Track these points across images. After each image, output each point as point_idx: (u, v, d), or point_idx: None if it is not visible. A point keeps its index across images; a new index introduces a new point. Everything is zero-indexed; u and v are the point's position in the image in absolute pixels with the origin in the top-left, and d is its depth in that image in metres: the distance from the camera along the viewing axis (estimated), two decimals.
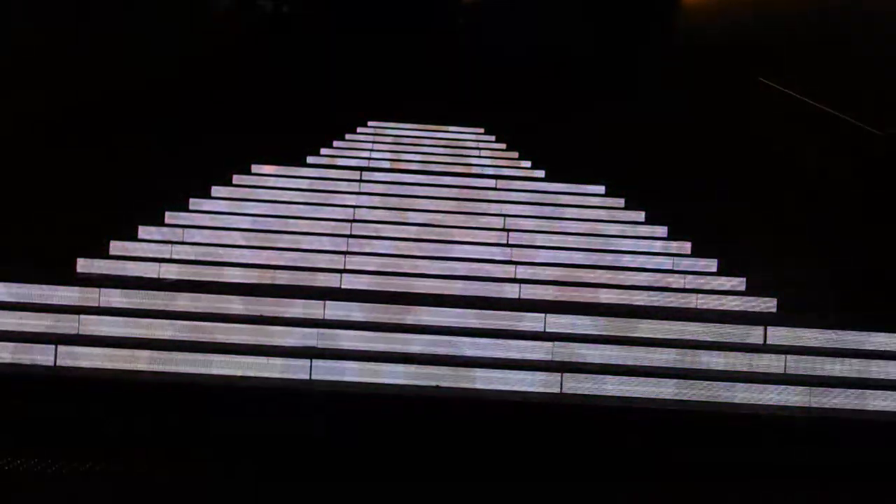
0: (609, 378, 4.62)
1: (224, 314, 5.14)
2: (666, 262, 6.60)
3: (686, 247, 6.88)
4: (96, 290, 5.22)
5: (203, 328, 4.88)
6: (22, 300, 5.14)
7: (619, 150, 9.04)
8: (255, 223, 6.79)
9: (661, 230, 7.20)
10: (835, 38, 8.43)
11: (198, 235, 6.51)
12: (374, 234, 6.74)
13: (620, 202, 7.76)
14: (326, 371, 4.55)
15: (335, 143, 9.23)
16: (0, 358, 4.47)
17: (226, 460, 3.72)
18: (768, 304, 5.94)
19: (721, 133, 9.68)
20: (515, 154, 9.22)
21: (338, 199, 7.37)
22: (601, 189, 8.00)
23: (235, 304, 5.23)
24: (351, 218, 7.04)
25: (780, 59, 9.40)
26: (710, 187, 7.81)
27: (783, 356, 4.96)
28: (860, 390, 4.65)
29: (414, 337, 4.95)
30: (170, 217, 6.75)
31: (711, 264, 6.59)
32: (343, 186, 7.66)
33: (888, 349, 5.26)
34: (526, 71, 12.27)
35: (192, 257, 6.13)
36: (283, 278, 5.88)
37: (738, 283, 6.28)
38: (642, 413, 4.37)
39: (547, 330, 5.25)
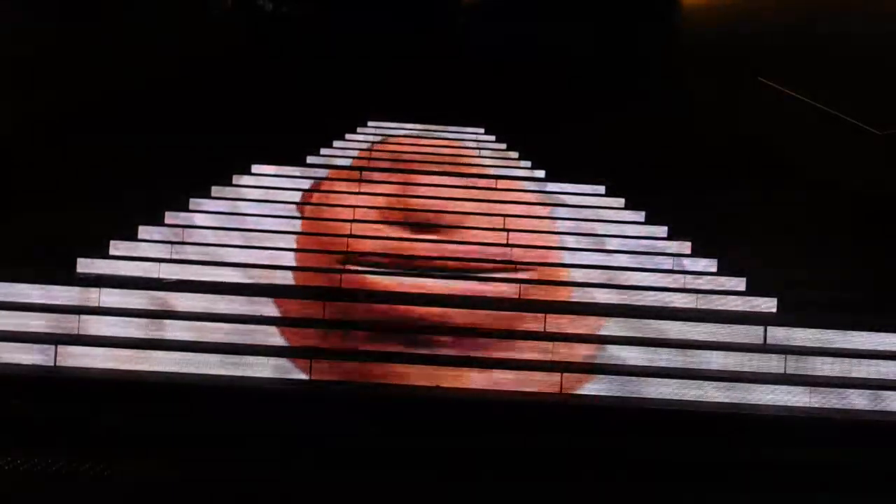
0: (608, 378, 4.63)
1: (224, 314, 5.15)
2: (666, 262, 6.60)
3: (686, 247, 6.88)
4: (96, 290, 5.23)
5: (203, 328, 4.88)
6: (22, 300, 5.15)
7: (619, 150, 9.05)
8: (255, 223, 6.79)
9: (661, 230, 7.20)
10: (834, 38, 8.43)
11: (198, 235, 6.51)
12: (373, 233, 6.74)
13: (620, 202, 7.76)
14: (326, 370, 4.54)
15: (335, 143, 9.23)
16: (0, 358, 4.47)
17: (227, 461, 3.73)
18: (768, 304, 5.94)
19: (721, 133, 9.69)
20: (515, 154, 9.22)
21: (337, 199, 7.37)
22: (601, 189, 7.99)
23: (235, 304, 5.23)
24: (351, 218, 7.04)
25: (780, 59, 9.41)
26: (709, 187, 7.81)
27: (783, 356, 4.96)
28: (861, 390, 4.65)
29: (414, 336, 4.95)
30: (170, 217, 6.75)
31: (711, 264, 6.58)
32: (343, 186, 7.67)
33: (888, 349, 5.27)
34: (526, 71, 12.29)
35: (192, 257, 6.13)
36: (283, 278, 5.88)
37: (738, 282, 6.28)
38: (642, 413, 4.37)
39: (547, 330, 5.25)
